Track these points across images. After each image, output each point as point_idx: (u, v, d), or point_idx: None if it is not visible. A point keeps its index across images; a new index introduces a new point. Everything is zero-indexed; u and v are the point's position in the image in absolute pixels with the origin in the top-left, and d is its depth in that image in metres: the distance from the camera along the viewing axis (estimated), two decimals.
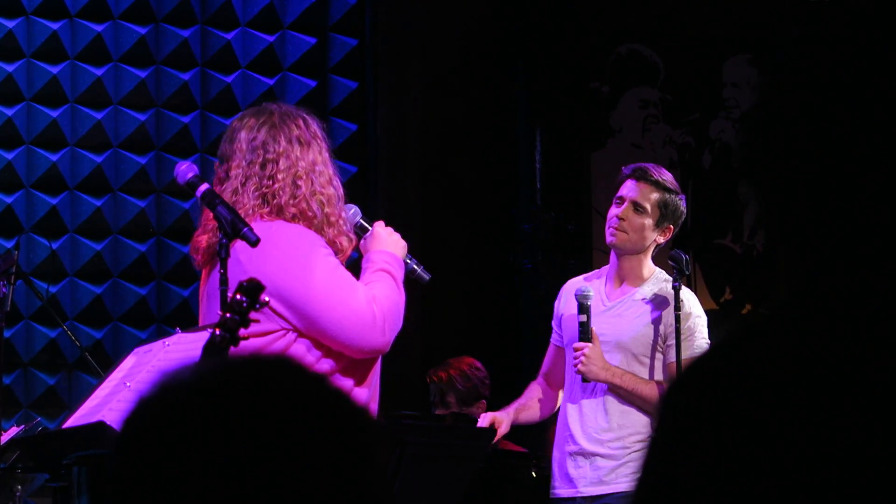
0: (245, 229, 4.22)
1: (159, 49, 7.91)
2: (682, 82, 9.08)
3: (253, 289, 3.78)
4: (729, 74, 9.20)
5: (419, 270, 4.44)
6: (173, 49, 7.91)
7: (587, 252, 8.64)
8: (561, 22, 8.71)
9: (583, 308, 5.47)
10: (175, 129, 7.89)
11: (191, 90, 7.92)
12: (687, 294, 5.65)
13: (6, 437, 5.70)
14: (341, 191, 4.40)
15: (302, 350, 4.19)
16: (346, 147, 8.19)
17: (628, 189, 5.56)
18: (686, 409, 1.35)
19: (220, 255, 4.19)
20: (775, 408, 1.29)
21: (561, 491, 5.48)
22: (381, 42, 8.28)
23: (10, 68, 7.67)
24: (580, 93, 8.86)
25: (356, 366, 4.28)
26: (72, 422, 4.30)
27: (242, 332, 3.78)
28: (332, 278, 4.14)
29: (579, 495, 5.43)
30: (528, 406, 5.67)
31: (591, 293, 5.50)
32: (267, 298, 3.88)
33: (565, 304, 5.65)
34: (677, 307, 5.94)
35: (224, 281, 4.15)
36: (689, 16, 9.05)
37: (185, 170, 4.49)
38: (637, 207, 5.52)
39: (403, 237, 4.47)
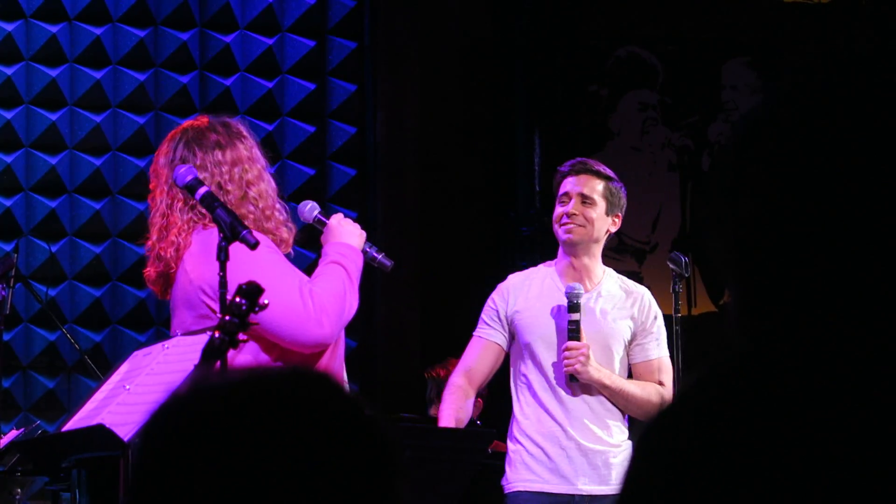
0: (244, 232, 4.24)
1: (158, 52, 7.91)
2: (680, 85, 9.08)
3: (252, 292, 3.78)
4: (727, 77, 9.20)
5: (379, 258, 4.46)
6: (172, 52, 7.92)
7: None
8: (559, 25, 8.71)
9: (575, 307, 5.41)
10: None
11: (190, 93, 7.93)
12: (650, 294, 5.65)
13: (6, 440, 5.71)
14: (273, 183, 4.42)
15: (253, 353, 4.23)
16: (345, 150, 8.20)
17: (571, 184, 5.54)
18: (658, 458, 1.35)
19: (219, 258, 4.20)
20: (747, 459, 1.30)
21: (550, 486, 5.40)
22: (380, 45, 8.29)
23: (9, 71, 7.68)
24: (579, 95, 8.87)
25: (308, 362, 4.29)
26: (71, 425, 4.30)
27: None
28: (265, 276, 4.12)
29: (578, 493, 5.40)
30: (461, 419, 5.48)
31: (582, 291, 5.47)
32: (267, 301, 3.88)
33: (518, 299, 5.52)
34: (677, 310, 5.94)
35: (223, 284, 4.16)
36: (687, 19, 9.05)
37: (185, 172, 4.50)
38: (585, 200, 5.51)
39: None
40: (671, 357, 5.92)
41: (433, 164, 8.36)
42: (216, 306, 4.19)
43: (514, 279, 5.64)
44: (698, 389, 1.37)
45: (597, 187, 5.53)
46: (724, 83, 9.20)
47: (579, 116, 8.88)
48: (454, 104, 8.43)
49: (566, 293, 5.43)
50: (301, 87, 8.11)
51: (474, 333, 5.62)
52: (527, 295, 5.53)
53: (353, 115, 8.23)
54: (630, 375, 5.55)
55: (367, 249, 4.44)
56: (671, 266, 5.94)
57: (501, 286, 5.63)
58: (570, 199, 5.50)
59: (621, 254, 8.83)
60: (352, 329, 8.16)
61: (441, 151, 8.38)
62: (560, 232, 5.53)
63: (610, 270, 5.63)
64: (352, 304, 4.27)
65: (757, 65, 9.23)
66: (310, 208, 4.56)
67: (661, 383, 5.58)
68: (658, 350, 5.61)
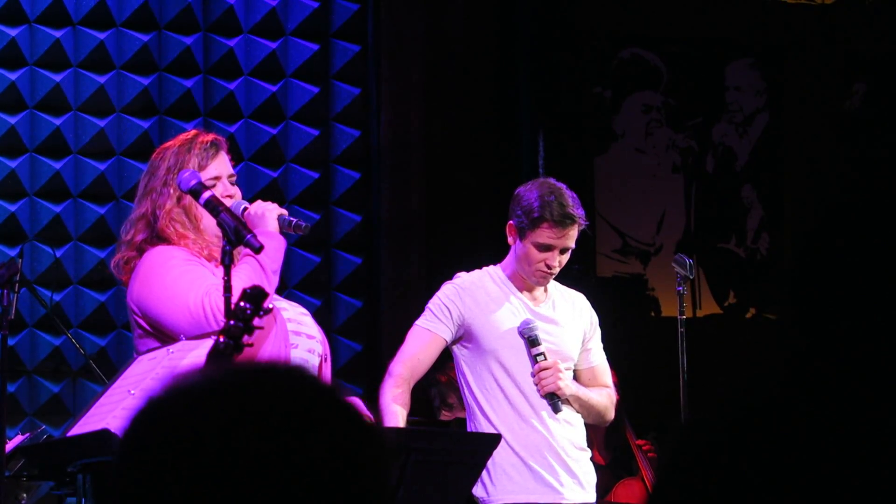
0: (248, 236, 4.29)
1: (162, 56, 7.91)
2: (684, 86, 9.08)
3: (256, 296, 3.78)
4: (731, 78, 9.20)
5: (295, 222, 4.64)
6: (176, 56, 7.91)
7: (591, 256, 8.63)
8: (563, 27, 8.71)
9: (535, 341, 5.37)
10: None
11: (194, 97, 7.93)
12: (586, 300, 5.64)
13: (11, 445, 5.70)
14: (197, 198, 4.56)
15: (158, 339, 4.56)
16: (349, 153, 8.20)
17: (556, 238, 5.39)
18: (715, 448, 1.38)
19: (223, 262, 4.23)
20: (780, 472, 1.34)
21: (536, 497, 5.33)
22: (384, 48, 8.28)
23: (12, 76, 7.68)
24: (583, 97, 8.87)
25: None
26: (76, 429, 4.30)
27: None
28: (166, 288, 4.50)
29: (566, 502, 5.39)
30: (405, 415, 5.35)
31: (535, 325, 5.41)
32: (271, 305, 3.90)
33: (474, 303, 5.44)
34: (682, 311, 5.94)
35: (227, 288, 4.18)
36: (691, 20, 9.05)
37: (189, 177, 4.53)
38: (565, 250, 5.44)
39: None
40: (676, 360, 5.92)
41: (438, 166, 8.35)
42: (144, 323, 4.55)
43: (466, 283, 5.52)
44: (761, 387, 1.42)
45: (576, 234, 5.44)
46: (728, 84, 9.19)
47: (583, 118, 8.88)
48: (458, 106, 8.42)
49: (521, 332, 5.38)
50: (305, 91, 8.11)
51: (419, 324, 5.48)
52: (484, 300, 5.46)
53: (357, 119, 8.23)
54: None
55: (287, 219, 4.64)
56: (676, 268, 5.94)
57: (456, 287, 5.51)
58: (553, 250, 5.40)
59: (626, 256, 8.83)
60: (357, 333, 8.16)
61: (445, 154, 8.38)
62: (533, 276, 5.45)
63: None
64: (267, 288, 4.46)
65: (761, 66, 9.22)
66: (235, 204, 4.72)
67: (605, 386, 5.59)
68: (600, 355, 5.62)
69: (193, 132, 4.83)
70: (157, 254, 4.56)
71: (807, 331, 1.51)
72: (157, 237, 4.61)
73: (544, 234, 5.39)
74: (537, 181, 5.54)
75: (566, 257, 5.45)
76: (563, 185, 5.48)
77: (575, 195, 5.48)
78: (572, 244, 5.44)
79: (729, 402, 1.43)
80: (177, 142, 4.76)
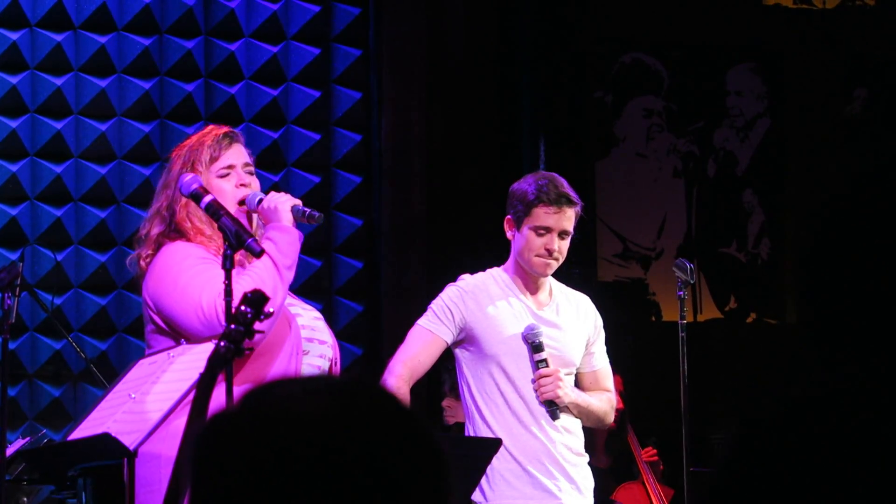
0: (249, 240, 4.29)
1: (163, 60, 7.91)
2: (685, 91, 9.08)
3: (257, 300, 3.78)
4: (732, 83, 9.20)
5: (308, 212, 4.63)
6: (177, 60, 7.92)
7: (591, 261, 8.63)
8: (564, 31, 8.72)
9: (538, 347, 5.35)
10: (179, 141, 7.87)
11: (195, 101, 7.93)
12: (591, 303, 5.62)
13: (12, 449, 5.70)
14: (207, 193, 4.57)
15: (168, 337, 4.56)
16: (350, 157, 8.20)
17: (553, 220, 5.37)
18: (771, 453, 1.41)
19: (224, 265, 4.23)
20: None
21: (535, 502, 5.35)
22: (385, 52, 8.29)
23: (14, 80, 7.68)
24: (584, 102, 8.87)
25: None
26: (77, 433, 4.30)
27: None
28: (180, 286, 4.49)
29: None
30: None
31: (540, 330, 5.39)
32: (271, 309, 3.89)
33: (477, 306, 5.41)
34: (682, 316, 5.94)
35: (228, 292, 4.18)
36: (692, 25, 9.05)
37: (190, 181, 4.54)
38: (564, 234, 5.43)
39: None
40: (677, 364, 5.92)
41: (438, 171, 8.36)
42: (157, 319, 4.53)
43: (469, 285, 5.49)
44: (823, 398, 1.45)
45: (573, 217, 5.42)
46: (729, 89, 9.20)
47: (584, 122, 8.88)
48: (459, 111, 8.43)
49: (525, 337, 5.36)
50: (306, 95, 8.11)
51: (420, 324, 5.44)
52: (487, 303, 5.43)
53: (359, 123, 8.23)
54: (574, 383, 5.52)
55: (300, 209, 4.62)
56: (677, 273, 5.94)
57: (459, 289, 5.47)
58: (551, 233, 5.38)
59: (627, 260, 8.83)
60: (358, 337, 8.16)
61: (446, 158, 8.38)
62: (536, 264, 5.41)
63: (550, 278, 5.57)
64: (276, 290, 4.45)
65: (762, 70, 9.22)
66: (251, 197, 4.67)
67: (607, 391, 5.58)
68: (603, 358, 5.60)
69: (210, 127, 4.84)
70: (174, 250, 4.55)
71: (826, 337, 1.54)
72: (175, 231, 4.60)
73: (541, 215, 5.38)
74: (528, 175, 5.54)
75: (566, 244, 5.42)
76: (555, 174, 5.50)
77: (569, 185, 5.49)
78: (570, 228, 5.41)
79: (782, 408, 1.46)
80: (193, 137, 4.78)
